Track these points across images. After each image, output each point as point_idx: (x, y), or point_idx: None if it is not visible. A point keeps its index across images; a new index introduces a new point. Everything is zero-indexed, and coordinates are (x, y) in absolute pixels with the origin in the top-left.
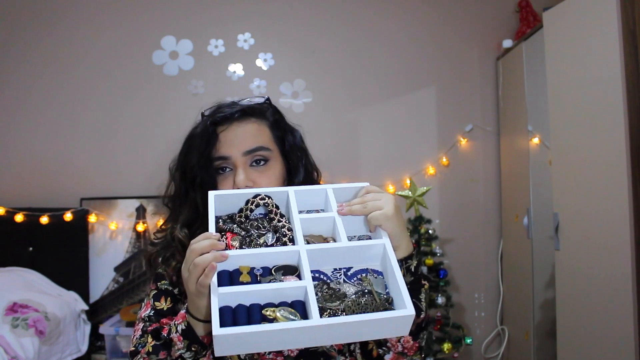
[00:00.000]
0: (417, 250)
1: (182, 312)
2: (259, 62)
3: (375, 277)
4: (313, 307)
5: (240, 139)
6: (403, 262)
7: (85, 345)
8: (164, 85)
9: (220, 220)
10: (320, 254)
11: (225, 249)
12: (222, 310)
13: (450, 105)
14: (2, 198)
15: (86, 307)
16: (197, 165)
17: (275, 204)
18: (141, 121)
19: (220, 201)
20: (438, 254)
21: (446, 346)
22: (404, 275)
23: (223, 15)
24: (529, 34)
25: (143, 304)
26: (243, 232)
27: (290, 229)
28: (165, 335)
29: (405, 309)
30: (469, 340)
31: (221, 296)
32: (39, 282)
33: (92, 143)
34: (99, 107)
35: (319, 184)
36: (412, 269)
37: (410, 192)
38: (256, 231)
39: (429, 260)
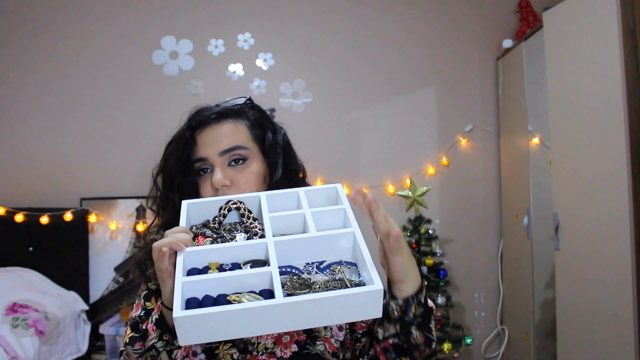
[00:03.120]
0: (417, 250)
1: (158, 303)
2: (259, 62)
3: (349, 268)
4: (277, 289)
5: (216, 140)
6: (414, 297)
7: (85, 345)
8: (164, 85)
9: (193, 227)
10: (289, 246)
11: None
12: (189, 301)
13: (450, 105)
14: (2, 198)
15: (86, 307)
16: (175, 168)
17: (248, 209)
18: (141, 121)
19: (194, 210)
20: (438, 254)
21: (446, 346)
22: (414, 309)
23: (223, 15)
24: (529, 34)
25: (134, 304)
26: (215, 235)
27: (262, 229)
28: (144, 327)
29: (372, 284)
30: (469, 340)
31: (185, 285)
32: (39, 282)
33: (92, 143)
34: (99, 107)
35: (304, 182)
36: (422, 300)
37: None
38: (228, 234)
39: (429, 260)
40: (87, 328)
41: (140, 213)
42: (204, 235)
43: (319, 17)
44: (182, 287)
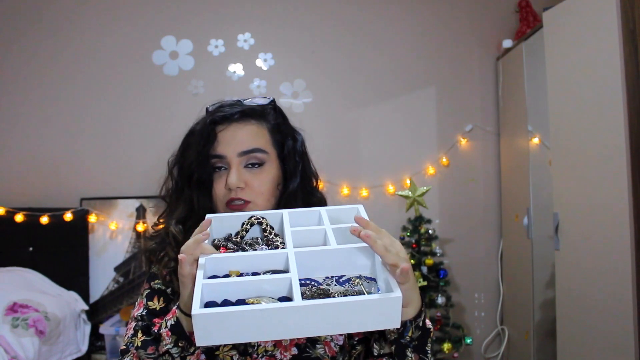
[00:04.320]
0: (417, 250)
1: (174, 308)
2: (259, 62)
3: (368, 282)
4: (296, 295)
5: (237, 140)
6: (412, 321)
7: (85, 345)
8: (164, 85)
9: (215, 240)
10: (309, 257)
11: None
12: (208, 304)
13: (450, 105)
14: (2, 198)
15: (86, 307)
16: (194, 162)
17: (270, 225)
18: (141, 121)
19: (216, 223)
20: (438, 254)
21: (446, 346)
22: (412, 332)
23: (223, 15)
24: (529, 34)
25: (136, 303)
26: (237, 248)
27: (282, 243)
28: (156, 331)
29: (392, 292)
30: (469, 340)
31: (205, 287)
32: (39, 282)
33: (92, 143)
34: (99, 107)
35: (317, 190)
36: (420, 324)
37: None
38: (250, 248)
39: (429, 260)
40: (87, 328)
41: (140, 213)
42: (226, 247)
43: (319, 17)
44: (202, 289)
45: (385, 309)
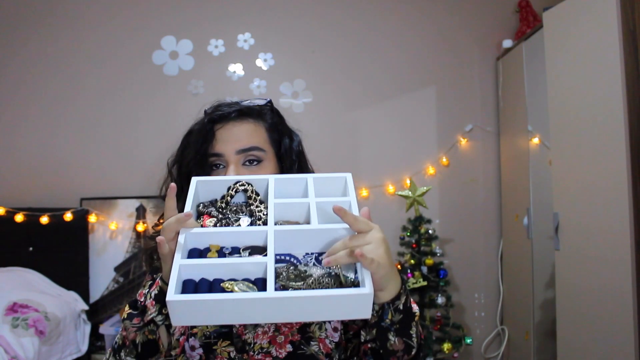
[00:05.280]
0: (417, 250)
1: (157, 279)
2: (259, 62)
3: (347, 265)
4: (269, 282)
5: (235, 138)
6: (390, 304)
7: (85, 345)
8: (164, 85)
9: (200, 205)
10: (289, 236)
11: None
12: (186, 283)
13: (450, 105)
14: (2, 198)
15: (86, 307)
16: (193, 161)
17: (256, 191)
18: (141, 121)
19: (203, 188)
20: (438, 254)
21: (446, 346)
22: (391, 315)
23: (223, 15)
24: (529, 34)
25: (138, 293)
26: (220, 216)
27: (266, 214)
28: (141, 304)
29: (363, 288)
30: (469, 340)
31: (183, 267)
32: (39, 282)
33: (92, 143)
34: (99, 107)
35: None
36: (401, 307)
37: (410, 192)
38: (233, 215)
39: (429, 260)
40: (87, 328)
41: (140, 213)
42: (210, 215)
43: (319, 17)
44: (180, 269)
45: (355, 303)
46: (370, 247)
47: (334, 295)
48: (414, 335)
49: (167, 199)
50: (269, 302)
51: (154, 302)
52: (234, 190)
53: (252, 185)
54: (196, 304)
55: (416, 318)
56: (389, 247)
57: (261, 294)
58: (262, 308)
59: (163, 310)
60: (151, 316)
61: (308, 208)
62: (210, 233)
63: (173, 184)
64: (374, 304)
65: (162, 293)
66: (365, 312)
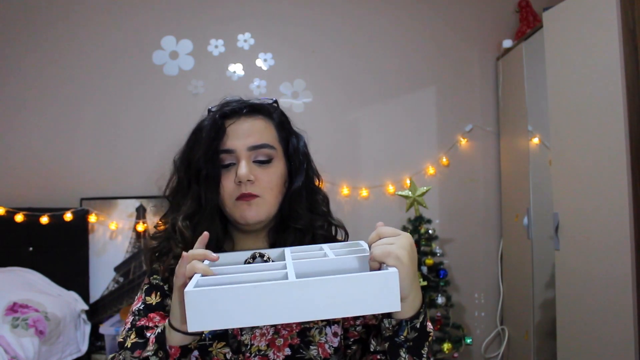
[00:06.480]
0: (418, 250)
1: (168, 317)
2: (259, 62)
3: None
4: (290, 272)
5: (247, 133)
6: (408, 321)
7: (85, 345)
8: (164, 85)
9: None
10: (307, 267)
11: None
12: None
13: (450, 105)
14: (2, 198)
15: (86, 307)
16: (203, 158)
17: (272, 260)
18: (141, 121)
19: (216, 262)
20: (438, 254)
21: (446, 346)
22: (407, 332)
23: (223, 15)
24: (529, 34)
25: (136, 297)
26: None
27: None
28: (148, 334)
29: (386, 270)
30: (469, 340)
31: (201, 280)
32: (39, 282)
33: (92, 143)
34: (99, 107)
35: (320, 189)
36: (417, 325)
37: (410, 192)
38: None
39: (429, 260)
40: (87, 328)
41: (140, 213)
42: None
43: (319, 17)
44: (197, 280)
45: (382, 287)
46: (396, 244)
47: (359, 276)
48: (424, 355)
49: (198, 244)
50: (293, 287)
51: (154, 340)
52: (251, 258)
53: (267, 254)
54: (216, 294)
55: (430, 338)
56: (416, 256)
57: (285, 280)
58: (287, 297)
59: (159, 353)
60: (147, 354)
61: (325, 260)
62: (226, 273)
63: (206, 233)
64: (392, 318)
65: (163, 334)
66: (394, 302)
